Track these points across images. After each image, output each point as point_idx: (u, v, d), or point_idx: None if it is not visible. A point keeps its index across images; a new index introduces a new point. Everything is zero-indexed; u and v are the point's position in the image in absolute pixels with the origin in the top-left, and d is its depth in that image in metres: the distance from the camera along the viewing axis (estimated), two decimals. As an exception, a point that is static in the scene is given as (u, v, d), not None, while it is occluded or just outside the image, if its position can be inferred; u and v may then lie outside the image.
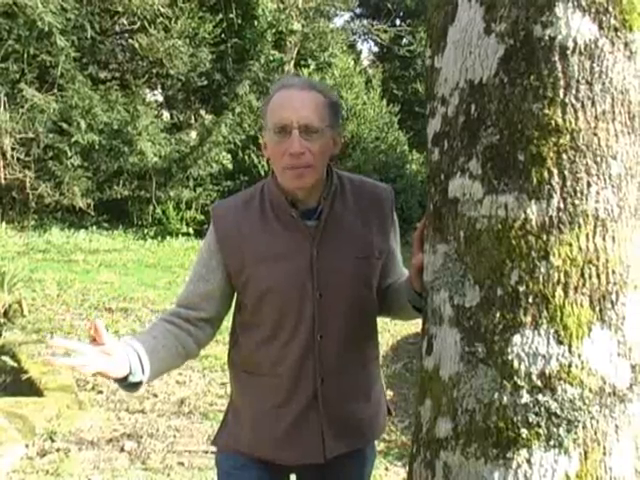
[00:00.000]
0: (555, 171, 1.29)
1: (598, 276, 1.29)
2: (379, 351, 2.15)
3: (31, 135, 10.94)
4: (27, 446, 4.13)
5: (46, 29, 10.54)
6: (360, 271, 1.96)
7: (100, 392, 5.14)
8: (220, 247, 1.96)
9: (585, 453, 1.29)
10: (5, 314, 6.50)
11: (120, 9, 12.08)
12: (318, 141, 1.85)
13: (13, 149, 10.87)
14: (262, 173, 12.69)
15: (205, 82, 13.23)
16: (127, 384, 1.79)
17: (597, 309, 1.29)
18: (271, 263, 1.92)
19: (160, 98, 14.82)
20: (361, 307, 1.98)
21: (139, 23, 12.28)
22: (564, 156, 1.29)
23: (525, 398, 1.30)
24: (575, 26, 1.27)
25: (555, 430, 1.29)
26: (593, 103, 1.28)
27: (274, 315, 1.93)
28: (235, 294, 2.02)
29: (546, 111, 1.29)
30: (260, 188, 2.02)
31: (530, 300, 1.30)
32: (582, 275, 1.29)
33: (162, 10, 12.04)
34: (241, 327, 2.03)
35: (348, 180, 2.04)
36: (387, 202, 2.06)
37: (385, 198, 2.06)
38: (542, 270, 1.29)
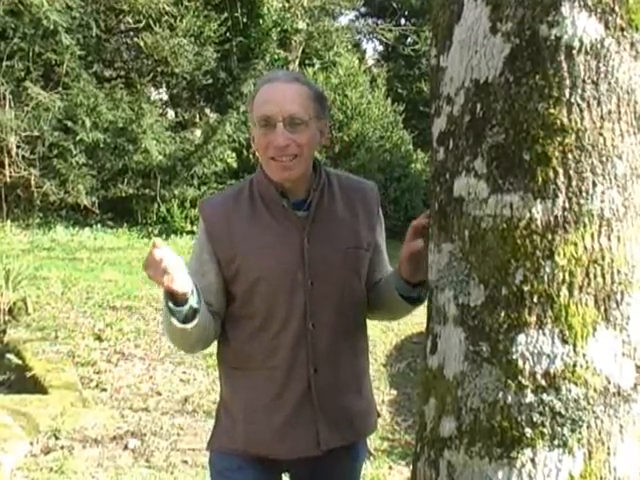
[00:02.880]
0: (560, 171, 1.29)
1: (603, 276, 1.29)
2: (368, 344, 2.14)
3: (36, 133, 10.93)
4: (31, 444, 4.15)
5: (51, 27, 10.52)
6: (350, 261, 1.98)
7: (104, 390, 5.16)
8: (209, 238, 1.96)
9: (589, 453, 1.29)
10: (10, 312, 6.51)
11: (125, 7, 12.07)
12: (304, 132, 1.87)
13: (18, 147, 10.85)
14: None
15: (210, 81, 13.21)
16: (182, 310, 1.78)
17: (602, 309, 1.29)
18: (262, 253, 1.92)
19: (165, 96, 14.80)
20: (351, 296, 1.99)
21: (144, 22, 12.25)
22: (569, 156, 1.29)
23: (529, 397, 1.30)
24: (581, 26, 1.27)
25: (559, 430, 1.29)
26: (599, 103, 1.28)
27: (265, 305, 1.94)
28: None
29: (552, 111, 1.29)
30: (249, 181, 2.04)
31: (535, 299, 1.30)
32: (587, 275, 1.29)
33: (167, 9, 12.02)
34: (230, 320, 2.01)
35: (335, 175, 2.07)
36: (373, 198, 2.09)
37: (371, 194, 2.09)
38: (547, 270, 1.29)
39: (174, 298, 1.77)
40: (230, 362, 2.04)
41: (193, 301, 1.79)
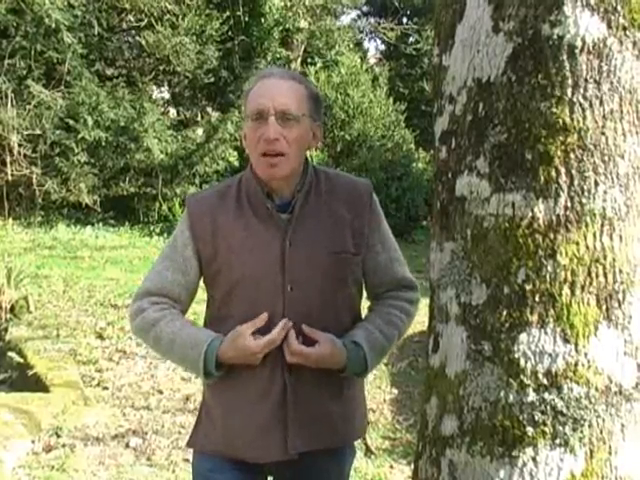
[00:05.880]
0: (563, 170, 1.29)
1: (605, 275, 1.29)
2: None
3: (38, 132, 10.95)
4: (33, 441, 4.15)
5: (53, 26, 10.55)
6: (333, 266, 1.92)
7: (106, 388, 5.16)
8: (193, 234, 1.94)
9: (591, 452, 1.29)
10: (11, 310, 6.51)
11: (127, 6, 12.08)
12: (294, 129, 1.85)
13: (20, 145, 10.88)
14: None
15: (212, 79, 13.21)
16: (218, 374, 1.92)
17: (604, 308, 1.29)
18: (244, 254, 1.89)
19: (167, 95, 14.83)
20: (333, 302, 1.95)
21: (146, 20, 12.27)
22: (572, 155, 1.29)
23: (531, 396, 1.30)
24: (583, 25, 1.27)
25: (561, 429, 1.29)
26: (601, 102, 1.28)
27: (244, 308, 1.90)
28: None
29: (554, 110, 1.29)
30: (238, 179, 2.02)
31: (537, 299, 1.30)
32: (589, 274, 1.29)
33: (169, 7, 12.04)
34: (210, 322, 2.00)
35: (324, 174, 2.01)
36: (364, 196, 2.01)
37: (362, 193, 2.02)
38: (549, 269, 1.29)
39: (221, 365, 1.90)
40: None
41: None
